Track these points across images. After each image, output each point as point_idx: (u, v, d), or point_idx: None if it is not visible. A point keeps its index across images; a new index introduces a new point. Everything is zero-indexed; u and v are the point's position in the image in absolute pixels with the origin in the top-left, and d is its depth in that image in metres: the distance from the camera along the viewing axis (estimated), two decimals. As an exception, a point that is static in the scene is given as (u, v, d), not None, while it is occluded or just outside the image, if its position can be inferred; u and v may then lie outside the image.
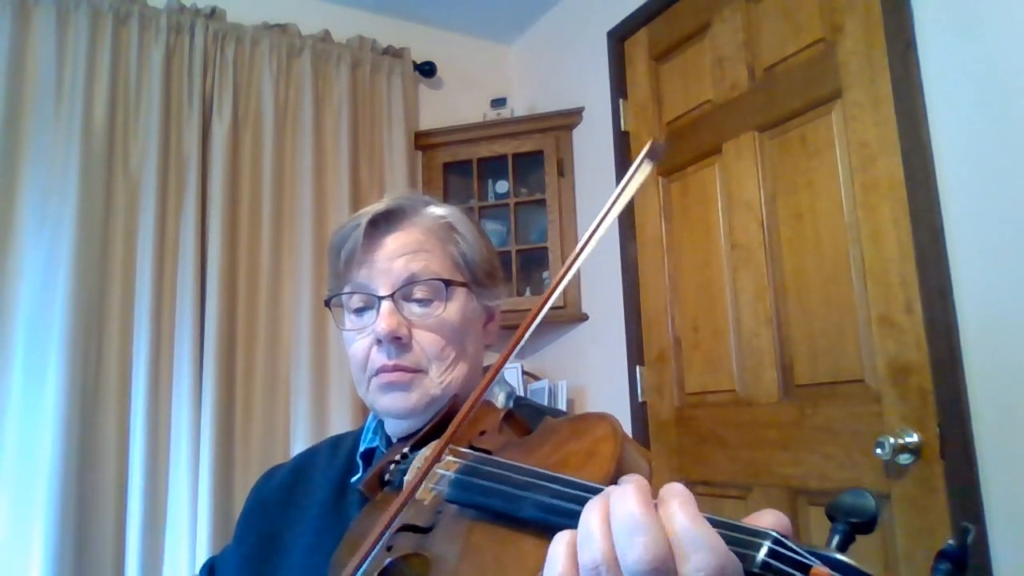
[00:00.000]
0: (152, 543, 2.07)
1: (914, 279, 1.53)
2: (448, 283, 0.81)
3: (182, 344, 2.19)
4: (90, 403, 2.09)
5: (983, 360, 1.41)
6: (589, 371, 2.54)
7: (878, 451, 1.51)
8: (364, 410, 2.42)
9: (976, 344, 1.42)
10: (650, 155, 0.57)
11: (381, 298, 0.79)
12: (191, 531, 2.10)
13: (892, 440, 1.49)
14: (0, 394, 2.02)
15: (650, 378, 2.26)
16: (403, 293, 0.79)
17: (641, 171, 0.57)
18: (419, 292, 0.80)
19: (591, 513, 0.40)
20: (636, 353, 2.30)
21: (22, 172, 2.13)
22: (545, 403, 2.35)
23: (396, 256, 0.80)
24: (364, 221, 0.81)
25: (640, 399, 2.27)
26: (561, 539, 0.41)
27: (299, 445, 2.27)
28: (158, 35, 2.33)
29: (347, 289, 0.82)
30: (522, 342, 0.59)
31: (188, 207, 2.28)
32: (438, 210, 0.86)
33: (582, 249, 0.58)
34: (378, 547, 0.54)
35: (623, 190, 0.57)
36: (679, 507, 0.38)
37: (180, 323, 2.21)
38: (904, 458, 1.50)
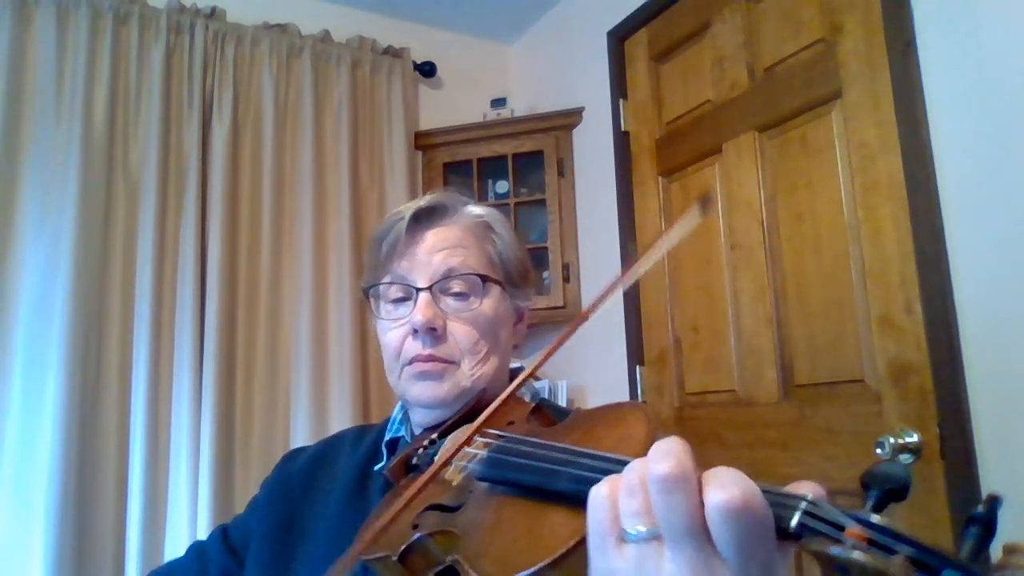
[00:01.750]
0: (152, 543, 2.07)
1: (914, 279, 1.53)
2: (485, 279, 0.84)
3: (182, 344, 2.19)
4: (90, 403, 2.09)
5: (983, 360, 1.41)
6: (589, 371, 2.54)
7: (878, 451, 1.51)
8: (364, 409, 2.43)
9: (976, 344, 1.42)
10: (701, 208, 0.63)
11: (419, 290, 0.82)
12: (191, 531, 2.10)
13: (892, 440, 1.49)
14: (0, 394, 2.02)
15: (650, 378, 2.26)
16: (440, 286, 0.82)
17: (690, 220, 0.63)
18: (456, 286, 0.83)
19: (632, 465, 0.43)
20: (636, 353, 2.30)
21: (22, 172, 2.13)
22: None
23: (436, 250, 0.83)
24: (408, 215, 0.84)
25: (640, 399, 2.27)
26: (601, 486, 0.43)
27: (299, 444, 2.26)
28: (158, 35, 2.33)
29: (386, 279, 0.85)
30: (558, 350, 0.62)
31: (188, 207, 2.28)
32: (476, 209, 0.89)
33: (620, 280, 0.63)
34: (404, 523, 0.54)
35: (666, 238, 0.63)
36: (725, 467, 0.40)
37: (180, 323, 2.21)
38: (904, 458, 1.50)
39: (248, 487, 2.20)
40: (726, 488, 0.38)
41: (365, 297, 0.89)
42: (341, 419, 2.34)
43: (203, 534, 2.09)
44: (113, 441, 2.11)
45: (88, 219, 2.14)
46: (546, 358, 0.62)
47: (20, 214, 2.11)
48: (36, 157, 2.14)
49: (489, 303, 0.84)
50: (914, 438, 1.50)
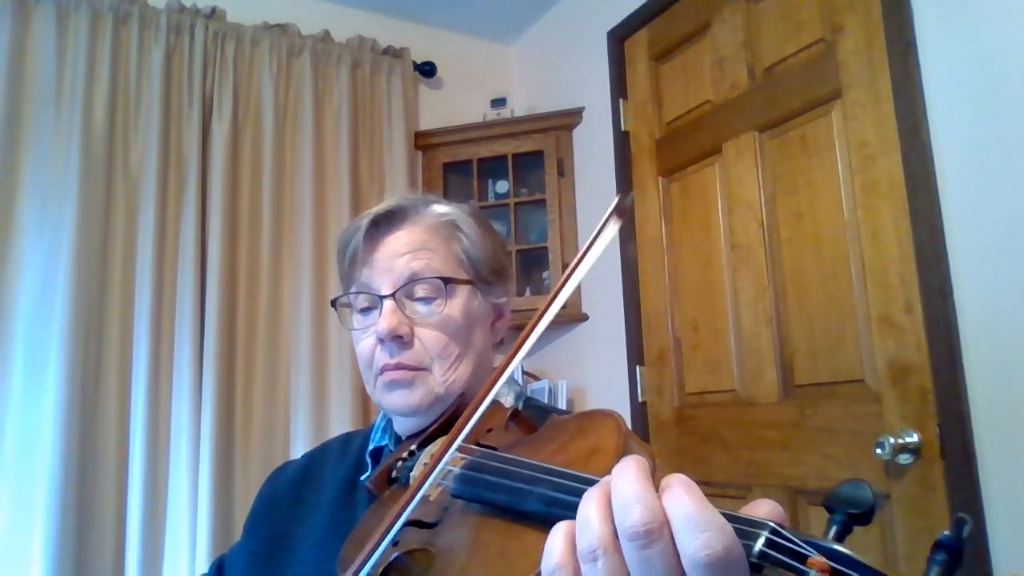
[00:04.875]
0: (152, 543, 2.07)
1: (914, 279, 1.53)
2: (448, 281, 0.81)
3: (182, 344, 2.19)
4: (90, 403, 2.09)
5: (983, 360, 1.41)
6: (589, 371, 2.54)
7: (878, 451, 1.51)
8: (364, 410, 2.43)
9: (976, 344, 1.42)
10: (617, 212, 0.56)
11: (383, 297, 0.80)
12: (191, 531, 2.10)
13: (892, 440, 1.49)
14: (0, 394, 2.02)
15: (650, 378, 2.26)
16: (405, 292, 0.80)
17: (609, 229, 0.56)
18: (421, 290, 0.80)
19: (589, 500, 0.40)
20: (636, 353, 2.30)
21: (22, 172, 2.13)
22: (545, 403, 2.35)
23: (398, 255, 0.81)
24: (365, 222, 0.82)
25: (640, 399, 2.27)
26: (558, 530, 0.41)
27: (299, 445, 2.27)
28: (158, 35, 2.33)
29: (352, 289, 0.84)
30: (527, 346, 0.59)
31: (188, 207, 2.28)
32: (441, 208, 0.86)
33: (553, 298, 0.58)
34: (385, 543, 0.54)
35: (590, 247, 0.56)
36: (684, 491, 0.38)
37: (180, 323, 2.21)
38: (904, 458, 1.50)
39: (248, 487, 2.20)
40: (705, 534, 0.36)
41: (334, 308, 0.87)
42: (341, 419, 2.34)
43: (203, 534, 2.09)
44: (113, 441, 2.10)
45: (88, 219, 2.14)
46: (505, 366, 0.58)
47: (20, 214, 2.11)
48: (36, 157, 2.14)
49: (457, 304, 0.81)
50: (914, 438, 1.50)
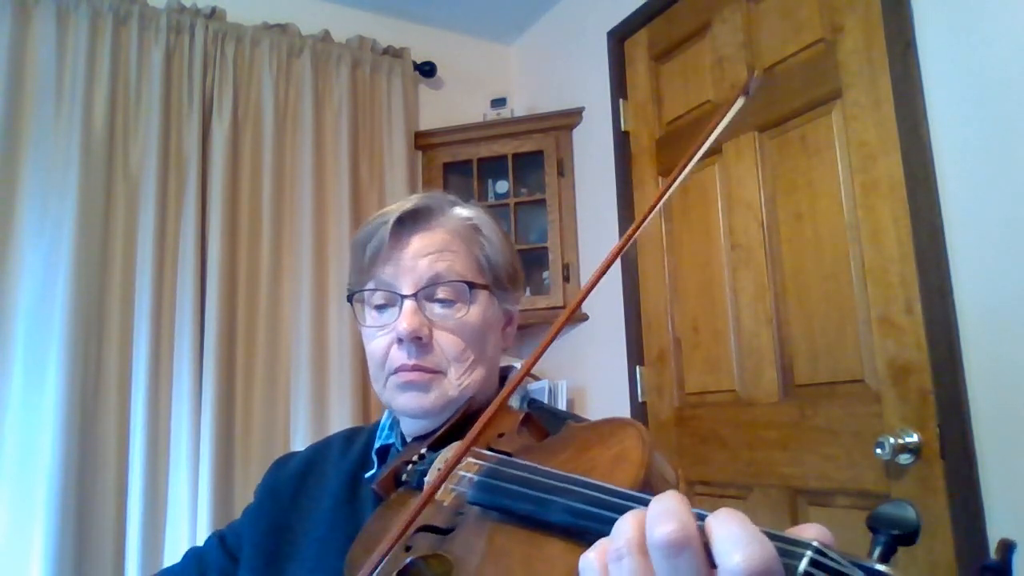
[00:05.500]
0: (152, 543, 2.07)
1: (914, 279, 1.53)
2: (472, 285, 0.81)
3: (182, 344, 2.19)
4: (90, 403, 2.09)
5: (983, 360, 1.41)
6: (589, 371, 2.54)
7: (878, 451, 1.51)
8: (364, 410, 2.43)
9: (976, 344, 1.42)
10: (744, 91, 0.60)
11: (404, 297, 0.79)
12: (191, 530, 2.10)
13: (892, 440, 1.49)
14: (0, 394, 2.02)
15: (650, 378, 2.26)
16: (426, 293, 0.80)
17: (736, 105, 0.60)
18: (442, 293, 0.80)
19: (625, 517, 0.40)
20: (636, 353, 2.30)
21: (22, 172, 2.13)
22: (550, 406, 2.35)
23: (421, 255, 0.80)
24: (392, 219, 0.81)
25: (640, 399, 2.27)
26: (595, 548, 0.41)
27: (299, 444, 2.27)
28: (158, 35, 2.33)
29: (370, 286, 0.83)
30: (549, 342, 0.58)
31: (188, 207, 2.28)
32: (464, 211, 0.86)
33: (670, 185, 0.61)
34: (397, 546, 0.54)
35: (721, 121, 0.61)
36: (730, 514, 0.38)
37: (180, 323, 2.21)
38: (904, 458, 1.50)
39: (248, 487, 2.20)
40: (742, 549, 0.35)
41: (349, 303, 0.86)
42: (341, 419, 2.34)
43: (203, 534, 2.09)
44: (113, 441, 2.10)
45: (88, 219, 2.14)
46: (544, 348, 0.58)
47: (20, 214, 2.11)
48: (36, 157, 2.14)
49: (476, 310, 0.81)
50: (914, 438, 1.50)
